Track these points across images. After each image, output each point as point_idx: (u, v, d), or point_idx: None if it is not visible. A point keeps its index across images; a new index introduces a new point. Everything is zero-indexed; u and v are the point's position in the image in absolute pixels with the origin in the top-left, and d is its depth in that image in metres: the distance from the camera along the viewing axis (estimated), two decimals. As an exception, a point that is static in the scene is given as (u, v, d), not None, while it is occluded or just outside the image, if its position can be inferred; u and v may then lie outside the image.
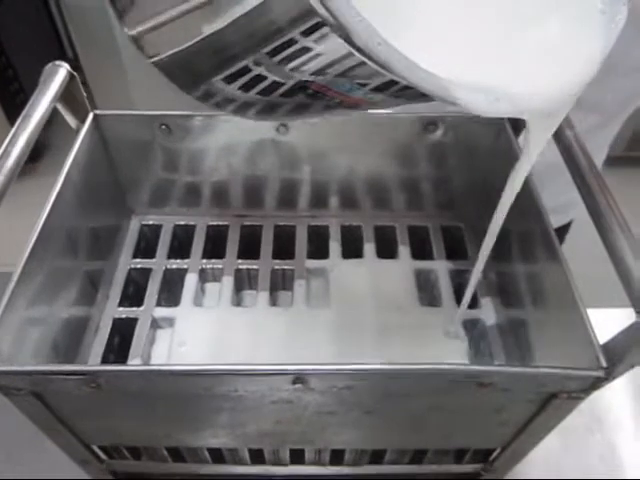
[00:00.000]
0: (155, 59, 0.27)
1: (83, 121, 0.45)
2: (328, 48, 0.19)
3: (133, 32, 0.26)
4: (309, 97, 0.25)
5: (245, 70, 0.24)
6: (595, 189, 0.35)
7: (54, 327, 0.40)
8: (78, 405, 0.34)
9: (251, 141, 0.48)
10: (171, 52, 0.25)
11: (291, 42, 0.20)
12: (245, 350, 0.44)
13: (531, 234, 0.41)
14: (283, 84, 0.24)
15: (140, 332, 0.45)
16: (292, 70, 0.22)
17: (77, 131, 0.45)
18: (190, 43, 0.24)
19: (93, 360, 0.43)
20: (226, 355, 0.43)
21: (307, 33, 0.19)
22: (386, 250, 0.51)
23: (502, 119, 0.46)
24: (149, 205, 0.53)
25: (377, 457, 0.42)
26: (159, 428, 0.38)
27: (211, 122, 0.47)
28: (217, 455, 0.42)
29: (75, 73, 0.43)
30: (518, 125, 0.46)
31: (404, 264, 0.50)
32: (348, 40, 0.18)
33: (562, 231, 0.68)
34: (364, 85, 0.22)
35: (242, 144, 0.48)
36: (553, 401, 0.33)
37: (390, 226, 0.53)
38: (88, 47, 1.48)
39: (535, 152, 0.29)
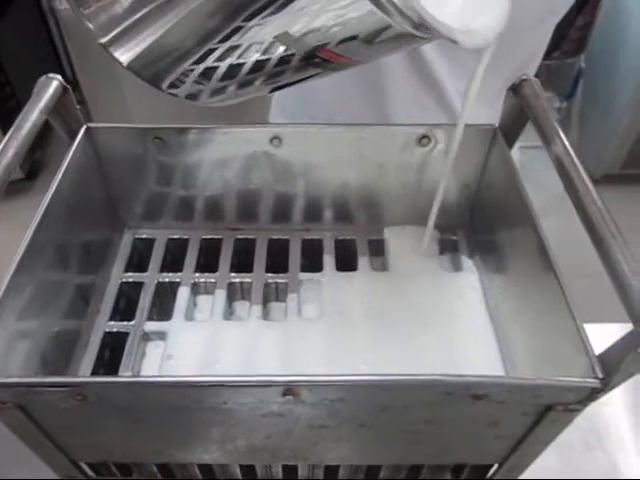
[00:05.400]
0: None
1: (76, 134, 0.45)
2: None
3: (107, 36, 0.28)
4: (314, 65, 0.30)
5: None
6: (589, 202, 0.34)
7: (43, 341, 0.39)
8: (65, 419, 0.33)
9: (245, 154, 0.48)
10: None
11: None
12: (237, 365, 0.43)
13: (525, 246, 0.40)
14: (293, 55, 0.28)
15: (131, 346, 0.44)
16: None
17: (69, 144, 0.45)
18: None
19: (83, 375, 0.42)
20: (217, 370, 0.42)
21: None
22: (380, 263, 0.51)
23: (494, 130, 0.46)
24: (142, 218, 0.53)
25: (372, 473, 0.41)
26: (149, 443, 0.37)
27: (204, 135, 0.47)
28: (208, 472, 0.41)
29: (68, 85, 0.43)
30: (510, 138, 0.46)
31: (397, 277, 0.49)
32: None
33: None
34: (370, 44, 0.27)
35: (236, 157, 0.48)
36: (549, 414, 0.32)
37: (385, 240, 0.52)
38: (86, 66, 1.49)
39: (483, 68, 0.38)
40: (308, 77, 0.32)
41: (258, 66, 0.29)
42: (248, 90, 0.33)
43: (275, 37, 0.27)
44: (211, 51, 0.29)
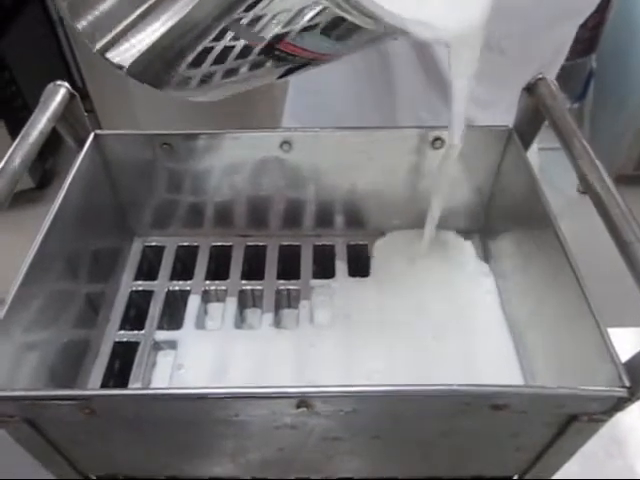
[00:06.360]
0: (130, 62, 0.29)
1: (84, 141, 0.45)
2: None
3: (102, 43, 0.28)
4: (276, 59, 0.28)
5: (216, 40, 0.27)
6: (611, 205, 0.33)
7: (52, 353, 0.39)
8: (73, 432, 0.33)
9: (254, 159, 0.47)
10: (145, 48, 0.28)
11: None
12: (249, 373, 0.42)
13: (543, 248, 0.39)
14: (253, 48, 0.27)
15: (141, 356, 0.44)
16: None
17: (77, 152, 0.44)
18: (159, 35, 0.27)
19: (92, 386, 0.42)
20: (229, 379, 0.42)
21: None
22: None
23: (510, 131, 0.45)
24: (152, 226, 0.52)
25: (388, 486, 0.40)
26: (159, 456, 0.37)
27: (213, 141, 0.46)
28: (220, 485, 0.40)
29: (76, 93, 0.42)
30: (526, 139, 0.45)
31: (411, 281, 0.48)
32: None
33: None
34: (330, 36, 0.27)
35: (245, 163, 0.48)
36: (573, 424, 0.31)
37: (397, 244, 0.51)
38: (95, 75, 1.50)
39: (460, 75, 0.35)
40: (287, 73, 0.31)
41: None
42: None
43: (228, 26, 0.26)
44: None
